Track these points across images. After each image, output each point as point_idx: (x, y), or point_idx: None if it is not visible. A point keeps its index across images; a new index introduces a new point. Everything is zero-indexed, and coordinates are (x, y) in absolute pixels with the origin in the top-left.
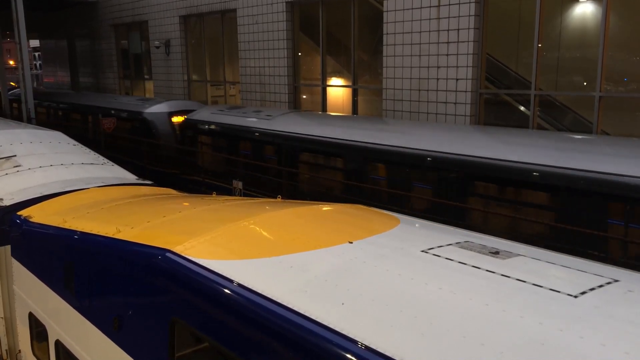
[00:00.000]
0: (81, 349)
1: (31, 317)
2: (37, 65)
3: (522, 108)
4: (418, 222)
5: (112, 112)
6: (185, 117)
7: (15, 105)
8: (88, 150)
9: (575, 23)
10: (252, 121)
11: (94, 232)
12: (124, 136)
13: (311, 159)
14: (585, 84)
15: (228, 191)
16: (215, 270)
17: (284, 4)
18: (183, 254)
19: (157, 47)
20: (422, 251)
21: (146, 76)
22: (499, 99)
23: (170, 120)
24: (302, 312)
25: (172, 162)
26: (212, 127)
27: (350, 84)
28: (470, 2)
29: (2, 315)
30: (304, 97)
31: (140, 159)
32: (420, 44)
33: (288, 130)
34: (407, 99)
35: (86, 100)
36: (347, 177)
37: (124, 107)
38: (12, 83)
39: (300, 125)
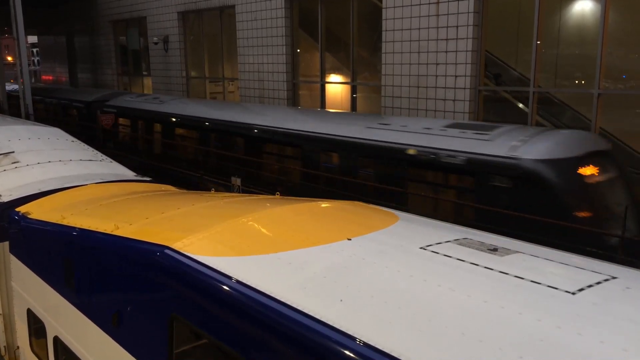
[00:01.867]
0: (80, 345)
1: (29, 313)
2: (35, 61)
3: (521, 105)
4: (417, 219)
5: (406, 154)
6: None
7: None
8: (86, 146)
9: (575, 20)
10: None
11: (93, 228)
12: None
13: None
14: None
15: None
16: (214, 267)
17: (283, 0)
18: (182, 251)
19: (156, 44)
20: (421, 248)
21: (144, 72)
22: (498, 96)
23: (580, 176)
24: (300, 308)
25: None
26: None
27: (349, 80)
28: None
29: (1, 312)
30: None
31: None
32: (419, 40)
33: None
34: (406, 96)
35: (294, 123)
36: None
37: (440, 143)
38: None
39: None
